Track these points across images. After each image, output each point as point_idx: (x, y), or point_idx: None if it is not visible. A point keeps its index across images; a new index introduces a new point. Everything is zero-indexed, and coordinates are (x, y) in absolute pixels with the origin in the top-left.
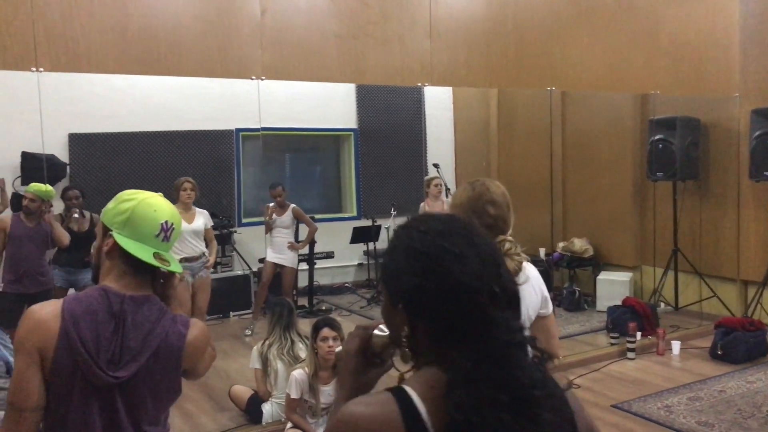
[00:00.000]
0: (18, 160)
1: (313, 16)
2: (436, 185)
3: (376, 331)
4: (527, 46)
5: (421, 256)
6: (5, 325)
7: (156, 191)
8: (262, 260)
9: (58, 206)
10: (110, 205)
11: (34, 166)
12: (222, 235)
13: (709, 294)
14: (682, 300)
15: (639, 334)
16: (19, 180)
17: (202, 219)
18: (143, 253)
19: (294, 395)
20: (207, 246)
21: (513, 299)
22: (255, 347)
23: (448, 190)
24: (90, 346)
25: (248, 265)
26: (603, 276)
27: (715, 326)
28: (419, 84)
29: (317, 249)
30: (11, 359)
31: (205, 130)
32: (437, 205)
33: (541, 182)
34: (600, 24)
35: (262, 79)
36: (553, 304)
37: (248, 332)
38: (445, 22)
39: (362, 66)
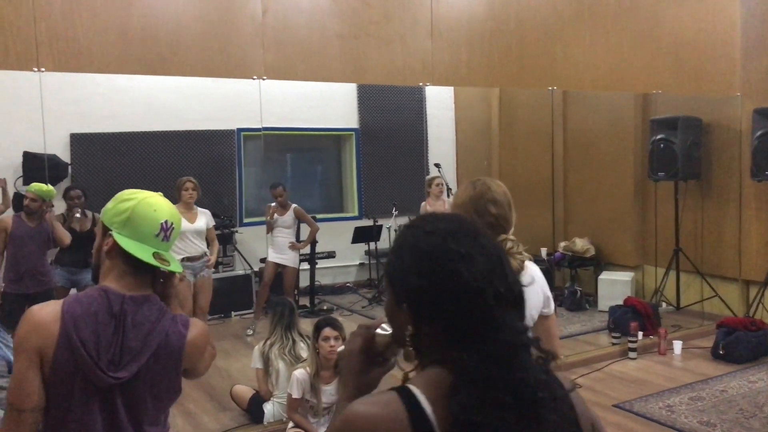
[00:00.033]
0: (19, 160)
1: (315, 15)
2: (437, 185)
3: (378, 330)
4: (529, 45)
5: (428, 257)
6: (7, 324)
7: (158, 191)
8: (263, 260)
9: (60, 206)
10: (110, 204)
11: (35, 166)
12: (223, 235)
13: (711, 294)
14: (684, 300)
15: (640, 333)
16: (20, 180)
17: (204, 219)
18: (143, 252)
19: (295, 395)
20: (209, 245)
21: (518, 300)
22: (256, 347)
23: (449, 189)
24: (90, 347)
25: (249, 265)
26: (604, 276)
27: (716, 326)
28: (420, 84)
29: (318, 249)
30: (12, 359)
31: (206, 130)
32: (438, 204)
33: (542, 182)
34: (601, 24)
35: (263, 79)
36: (554, 304)
37: (250, 332)
38: (446, 21)
39: (364, 66)
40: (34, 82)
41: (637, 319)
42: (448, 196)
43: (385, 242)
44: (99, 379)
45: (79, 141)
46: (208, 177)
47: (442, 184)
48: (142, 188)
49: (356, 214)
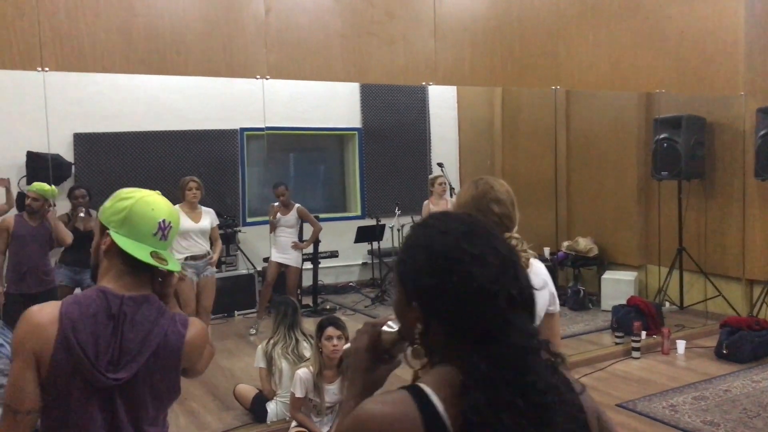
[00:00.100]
0: (23, 159)
1: (318, 15)
2: (440, 184)
3: (385, 328)
4: (532, 45)
5: (441, 257)
6: (11, 324)
7: (161, 191)
8: (266, 259)
9: (63, 206)
10: (107, 203)
11: (39, 165)
12: (226, 235)
13: (715, 293)
14: (687, 299)
15: (644, 333)
16: (24, 180)
17: (208, 218)
18: (141, 252)
19: (298, 394)
20: (212, 245)
21: (529, 303)
22: (259, 346)
23: (452, 189)
24: (89, 349)
25: (253, 265)
26: (608, 275)
27: (720, 325)
28: (423, 83)
29: (321, 248)
30: None
31: (209, 130)
32: (441, 204)
33: (545, 181)
34: (605, 23)
35: (266, 79)
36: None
37: (253, 331)
38: (449, 21)
39: (366, 65)
40: (38, 81)
41: (640, 319)
42: (451, 195)
43: (387, 242)
44: (98, 380)
45: (82, 140)
46: (211, 177)
47: (445, 183)
48: (145, 188)
49: (359, 213)
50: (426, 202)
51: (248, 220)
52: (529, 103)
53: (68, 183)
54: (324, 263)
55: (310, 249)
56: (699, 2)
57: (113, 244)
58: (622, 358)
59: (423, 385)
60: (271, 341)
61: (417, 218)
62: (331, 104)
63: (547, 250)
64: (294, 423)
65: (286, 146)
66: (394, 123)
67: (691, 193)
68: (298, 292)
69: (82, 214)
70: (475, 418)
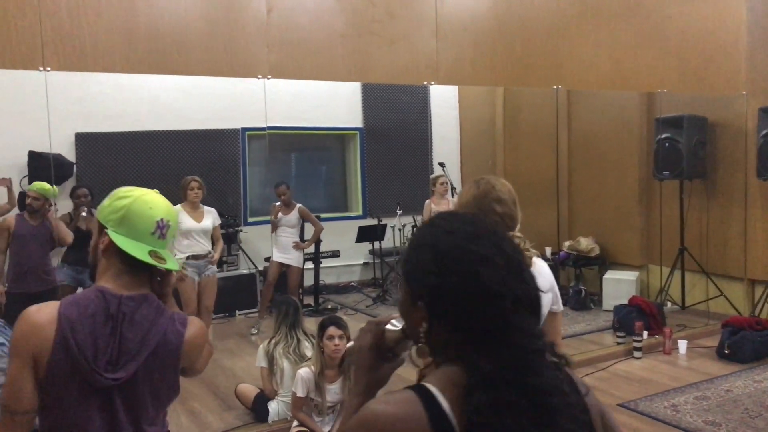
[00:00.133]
0: (25, 159)
1: (319, 14)
2: (442, 183)
3: (388, 326)
4: (533, 44)
5: (448, 257)
6: (12, 323)
7: (162, 190)
8: (267, 259)
9: (65, 205)
10: (105, 202)
11: (40, 165)
12: (228, 234)
13: (716, 293)
14: (689, 299)
15: (645, 333)
16: (26, 179)
17: (210, 217)
18: (139, 251)
19: (300, 394)
20: (213, 244)
21: (535, 305)
22: (261, 346)
23: (453, 189)
24: (88, 350)
25: (254, 264)
26: (609, 275)
27: (722, 325)
28: (425, 83)
29: (323, 248)
30: None
31: (211, 130)
32: (443, 203)
33: (547, 181)
34: (606, 22)
35: (268, 78)
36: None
37: (254, 331)
38: (451, 20)
39: (368, 65)
40: (40, 81)
41: (642, 319)
42: (453, 195)
43: (389, 241)
44: (96, 380)
45: (83, 140)
46: (213, 176)
47: (447, 183)
48: (147, 188)
49: (360, 213)
50: (427, 201)
51: (250, 219)
52: (530, 103)
53: (70, 183)
54: (325, 263)
55: (311, 249)
56: (700, 2)
57: (111, 243)
58: (623, 358)
59: (429, 385)
60: (273, 341)
61: (418, 218)
62: (332, 104)
63: (548, 250)
64: (295, 422)
65: (288, 146)
66: (395, 123)
67: (693, 192)
68: (300, 291)
69: (84, 214)
70: (478, 419)
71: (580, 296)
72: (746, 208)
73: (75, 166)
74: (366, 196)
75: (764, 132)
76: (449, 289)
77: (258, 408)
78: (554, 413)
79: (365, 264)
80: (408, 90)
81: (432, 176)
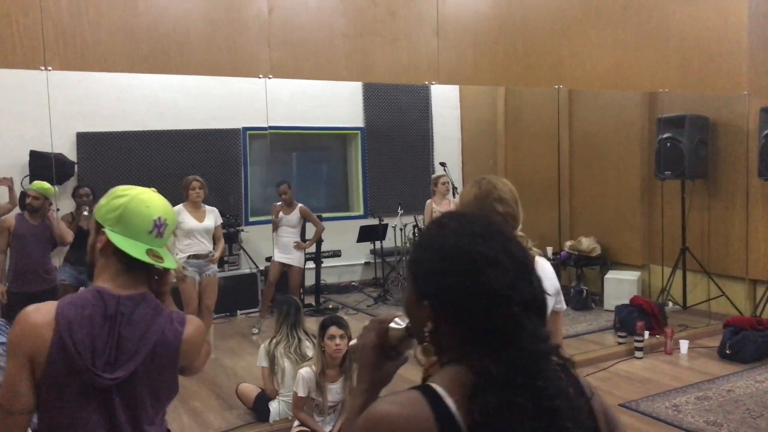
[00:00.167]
0: (26, 159)
1: (320, 14)
2: (443, 183)
3: (392, 325)
4: (535, 44)
5: (456, 258)
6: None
7: (164, 190)
8: (269, 259)
9: (67, 205)
10: (102, 201)
11: (42, 164)
12: (229, 234)
13: (718, 293)
14: (691, 299)
15: (647, 333)
16: (27, 179)
17: (212, 217)
18: (136, 250)
19: (301, 393)
20: (215, 243)
21: (541, 308)
22: (262, 345)
23: (455, 188)
24: (85, 351)
25: (255, 264)
26: (611, 275)
27: (723, 325)
28: (426, 82)
29: (324, 248)
30: None
31: (212, 129)
32: (444, 203)
33: (548, 181)
34: (608, 22)
35: (269, 78)
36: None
37: (255, 330)
38: (452, 20)
39: (369, 64)
40: (41, 80)
41: (643, 319)
42: (454, 195)
43: (390, 241)
44: (95, 381)
45: (85, 140)
46: (214, 176)
47: (448, 183)
48: (148, 187)
49: (362, 213)
50: (429, 201)
51: (251, 219)
52: (531, 103)
53: (71, 182)
54: (327, 263)
55: (312, 248)
56: (702, 1)
57: (108, 242)
58: (624, 357)
59: (435, 386)
60: (274, 340)
61: (420, 218)
62: (333, 103)
63: (549, 250)
64: (296, 422)
65: (289, 145)
66: (396, 122)
67: (695, 192)
68: (301, 291)
69: (86, 213)
70: (484, 421)
71: (582, 296)
72: (748, 208)
73: (76, 166)
74: (367, 196)
75: (766, 132)
76: (456, 290)
77: (259, 408)
78: (559, 416)
79: (366, 264)
80: (409, 90)
81: (433, 176)
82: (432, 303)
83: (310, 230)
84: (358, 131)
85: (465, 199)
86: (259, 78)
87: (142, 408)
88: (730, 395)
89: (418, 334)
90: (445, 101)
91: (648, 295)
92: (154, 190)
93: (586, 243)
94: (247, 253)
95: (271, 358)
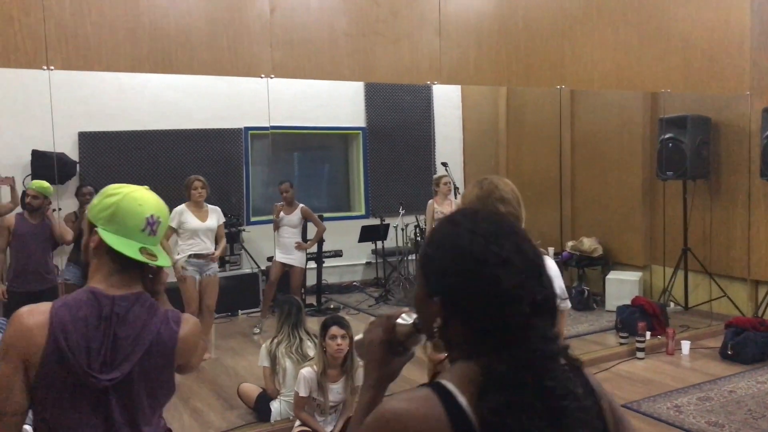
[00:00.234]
0: (28, 158)
1: (323, 14)
2: (445, 183)
3: (399, 320)
4: (537, 44)
5: (468, 257)
6: None
7: (165, 190)
8: (270, 258)
9: (70, 204)
10: (95, 200)
11: (44, 164)
12: (231, 234)
13: (719, 294)
14: (692, 300)
15: (648, 333)
16: (29, 178)
17: (215, 216)
18: (129, 248)
19: (302, 393)
20: (216, 242)
21: (551, 308)
22: (263, 345)
23: (456, 189)
24: (80, 354)
25: (256, 264)
26: (612, 275)
27: (725, 326)
28: (428, 82)
29: (326, 247)
30: None
31: (214, 129)
32: (446, 204)
33: (550, 181)
34: (610, 22)
35: (271, 78)
36: None
37: (257, 330)
38: (454, 20)
39: (371, 64)
40: (43, 80)
41: (645, 319)
42: (456, 195)
43: (391, 241)
44: (91, 383)
45: (87, 139)
46: (216, 176)
47: (450, 183)
48: (149, 187)
49: (363, 213)
50: (430, 201)
51: (252, 219)
52: (533, 103)
53: (73, 182)
54: (328, 262)
55: (314, 248)
56: (704, 2)
57: (101, 241)
58: (626, 358)
59: (446, 383)
60: (275, 340)
61: (421, 218)
62: (335, 103)
63: (551, 250)
64: (298, 422)
65: (291, 145)
66: (398, 122)
67: (697, 193)
68: (302, 291)
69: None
70: (493, 419)
71: (583, 296)
72: (750, 209)
73: (78, 165)
74: (369, 196)
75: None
76: (468, 289)
77: (260, 407)
78: (567, 417)
79: (368, 264)
80: (411, 90)
81: (435, 176)
82: (442, 300)
83: (312, 230)
84: (360, 131)
85: (467, 199)
86: (261, 78)
87: (139, 408)
88: (731, 396)
89: (426, 329)
90: (447, 101)
91: (650, 296)
92: (147, 187)
93: (588, 243)
94: (248, 253)
95: (273, 358)
